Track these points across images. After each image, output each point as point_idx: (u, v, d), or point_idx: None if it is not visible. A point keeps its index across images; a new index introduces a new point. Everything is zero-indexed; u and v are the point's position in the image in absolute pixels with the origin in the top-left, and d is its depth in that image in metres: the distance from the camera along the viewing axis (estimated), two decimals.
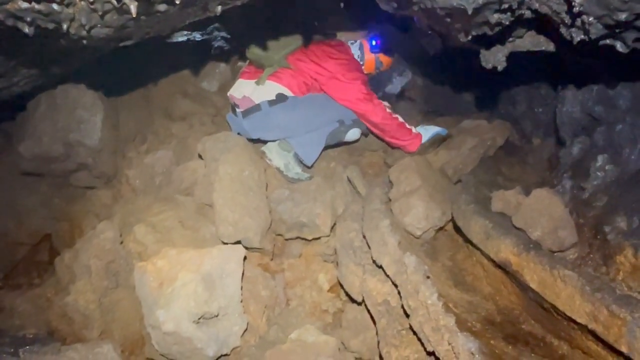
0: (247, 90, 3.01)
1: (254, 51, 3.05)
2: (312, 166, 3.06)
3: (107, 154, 3.41)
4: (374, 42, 3.33)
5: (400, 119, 3.05)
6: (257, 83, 2.98)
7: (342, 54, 3.12)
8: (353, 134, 3.10)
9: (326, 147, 3.10)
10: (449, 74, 3.92)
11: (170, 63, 3.77)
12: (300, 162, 3.02)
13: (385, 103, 3.10)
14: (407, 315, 1.95)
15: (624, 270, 1.80)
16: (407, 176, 2.56)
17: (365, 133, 3.20)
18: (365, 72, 3.29)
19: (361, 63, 3.29)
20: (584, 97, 2.47)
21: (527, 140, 3.20)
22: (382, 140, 3.18)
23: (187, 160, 3.11)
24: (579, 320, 1.63)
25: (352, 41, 3.37)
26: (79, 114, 3.29)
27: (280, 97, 2.94)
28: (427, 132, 3.07)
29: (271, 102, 2.93)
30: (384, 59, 3.40)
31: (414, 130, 3.06)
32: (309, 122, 2.97)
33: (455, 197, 2.49)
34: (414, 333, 1.91)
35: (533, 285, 1.82)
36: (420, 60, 4.07)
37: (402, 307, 2.00)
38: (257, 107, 2.94)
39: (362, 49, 3.33)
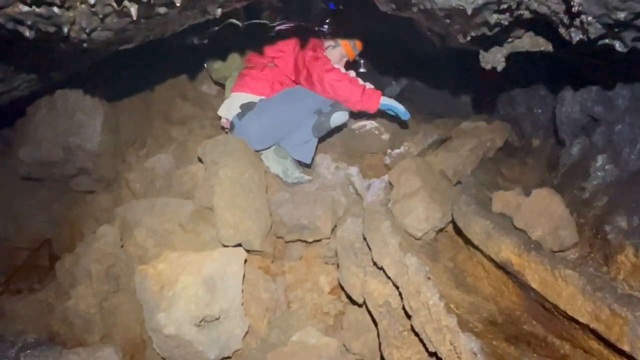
0: (223, 110, 3.01)
1: (213, 67, 3.03)
2: (312, 163, 3.05)
3: (107, 157, 3.41)
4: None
5: (353, 75, 2.92)
6: (225, 99, 2.96)
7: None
8: (338, 118, 2.97)
9: (323, 139, 3.05)
10: (448, 75, 3.93)
11: (169, 66, 3.78)
12: (299, 164, 3.01)
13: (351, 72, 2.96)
14: (409, 317, 1.95)
15: (624, 269, 1.80)
16: (407, 178, 2.56)
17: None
18: (346, 55, 3.21)
19: (338, 47, 3.19)
20: (583, 97, 2.48)
21: (527, 141, 3.21)
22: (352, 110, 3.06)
23: (187, 163, 3.11)
24: (580, 320, 1.63)
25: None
26: (78, 118, 3.29)
27: (245, 107, 2.90)
28: (390, 100, 2.99)
29: (239, 115, 2.91)
30: (357, 41, 3.25)
31: (368, 86, 2.96)
32: (283, 123, 2.90)
33: (455, 198, 2.49)
34: (416, 334, 1.91)
35: (534, 285, 1.82)
36: (419, 62, 4.08)
37: (403, 308, 2.00)
38: (232, 124, 2.94)
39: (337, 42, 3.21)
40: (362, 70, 3.53)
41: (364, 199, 2.79)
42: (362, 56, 3.56)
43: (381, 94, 2.97)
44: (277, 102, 2.92)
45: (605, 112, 2.35)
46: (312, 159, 3.04)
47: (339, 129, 3.13)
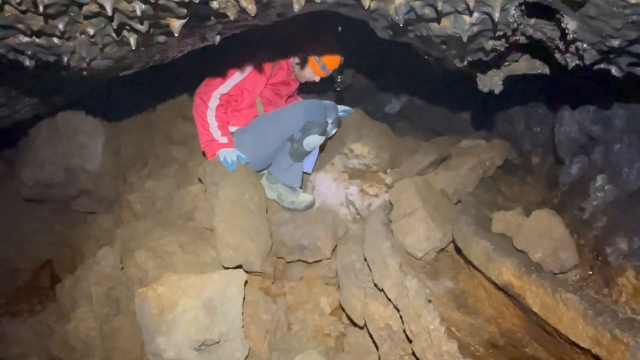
0: None
1: None
2: (302, 186, 3.02)
3: (108, 179, 3.43)
4: None
5: (211, 123, 2.82)
6: None
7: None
8: (311, 142, 2.86)
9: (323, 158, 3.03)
10: (447, 93, 3.95)
11: (170, 87, 3.80)
12: (293, 189, 2.98)
13: (212, 110, 2.81)
14: (410, 341, 1.93)
15: (626, 292, 1.79)
16: (407, 197, 2.56)
17: (324, 132, 2.93)
18: (315, 75, 3.05)
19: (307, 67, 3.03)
20: (582, 117, 2.48)
21: (526, 160, 3.21)
22: None
23: (188, 184, 3.11)
24: (582, 345, 1.62)
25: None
26: (80, 140, 3.32)
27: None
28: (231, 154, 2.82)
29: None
30: (327, 60, 2.98)
31: (216, 137, 2.83)
32: (259, 153, 2.89)
33: (456, 218, 2.48)
34: (417, 359, 1.89)
35: (535, 309, 1.81)
36: (419, 80, 4.10)
37: (405, 332, 1.99)
38: None
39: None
40: (338, 89, 3.43)
41: (364, 219, 2.79)
42: (361, 72, 3.47)
43: (221, 149, 2.83)
44: (248, 132, 2.92)
45: (603, 132, 2.36)
46: (303, 180, 3.01)
47: (318, 148, 3.06)
